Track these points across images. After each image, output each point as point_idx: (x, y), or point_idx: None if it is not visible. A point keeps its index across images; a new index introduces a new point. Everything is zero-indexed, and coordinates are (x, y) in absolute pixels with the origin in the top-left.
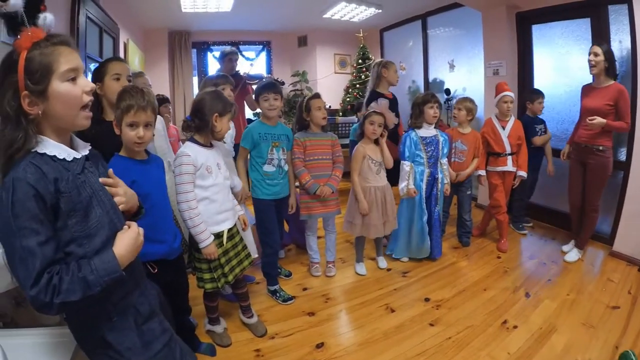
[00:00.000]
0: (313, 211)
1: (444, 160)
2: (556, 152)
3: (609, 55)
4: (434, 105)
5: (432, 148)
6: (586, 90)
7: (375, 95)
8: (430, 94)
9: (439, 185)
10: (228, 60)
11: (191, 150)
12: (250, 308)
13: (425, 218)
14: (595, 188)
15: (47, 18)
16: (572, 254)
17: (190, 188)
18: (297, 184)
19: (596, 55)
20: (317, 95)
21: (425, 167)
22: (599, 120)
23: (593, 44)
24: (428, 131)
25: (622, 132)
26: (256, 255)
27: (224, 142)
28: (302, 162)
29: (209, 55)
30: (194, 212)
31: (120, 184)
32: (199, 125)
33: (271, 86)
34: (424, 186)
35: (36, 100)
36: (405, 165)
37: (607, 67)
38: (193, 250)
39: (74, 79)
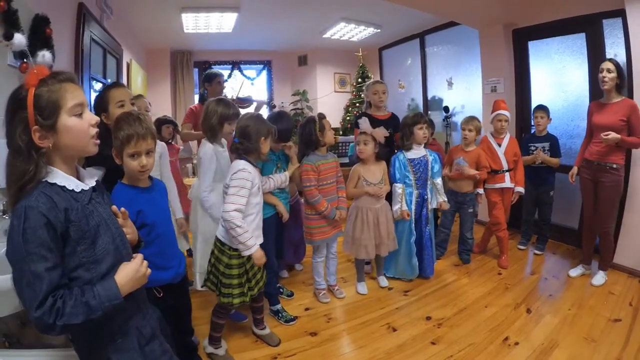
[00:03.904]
0: (326, 235)
1: (437, 180)
2: (562, 169)
3: (620, 70)
4: (423, 126)
5: (421, 169)
6: (595, 107)
7: (361, 117)
8: (420, 114)
9: (429, 205)
10: (217, 83)
11: (251, 169)
12: (263, 320)
13: (413, 239)
14: (608, 208)
15: (45, 56)
16: (599, 277)
17: (244, 201)
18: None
19: (609, 71)
20: (324, 116)
21: (413, 189)
22: (613, 135)
23: (605, 60)
24: (417, 152)
25: (635, 148)
26: None
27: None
28: (317, 189)
29: None
30: (241, 221)
31: (128, 218)
32: (247, 148)
33: (283, 138)
34: (413, 207)
35: (46, 134)
36: (398, 188)
37: (618, 82)
38: (222, 267)
39: (80, 114)
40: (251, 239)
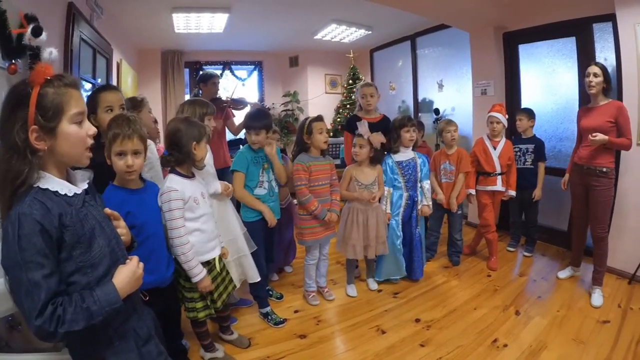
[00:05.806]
0: (317, 236)
1: (425, 182)
2: (551, 171)
3: (607, 74)
4: (410, 129)
5: (410, 172)
6: (583, 111)
7: (352, 120)
8: (407, 118)
9: (419, 207)
10: (212, 84)
11: (178, 184)
12: (229, 327)
13: (399, 241)
14: (601, 212)
15: (52, 53)
16: (596, 296)
17: (181, 223)
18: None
19: (596, 75)
20: (319, 118)
21: (403, 191)
22: (601, 136)
23: (591, 64)
24: (405, 154)
25: (625, 149)
26: (258, 279)
27: (204, 167)
28: (307, 188)
29: None
30: (186, 247)
31: (120, 219)
32: (179, 159)
33: (268, 126)
34: (402, 210)
35: (44, 136)
36: (384, 190)
37: (604, 86)
38: (182, 281)
39: (80, 122)
40: (198, 267)
